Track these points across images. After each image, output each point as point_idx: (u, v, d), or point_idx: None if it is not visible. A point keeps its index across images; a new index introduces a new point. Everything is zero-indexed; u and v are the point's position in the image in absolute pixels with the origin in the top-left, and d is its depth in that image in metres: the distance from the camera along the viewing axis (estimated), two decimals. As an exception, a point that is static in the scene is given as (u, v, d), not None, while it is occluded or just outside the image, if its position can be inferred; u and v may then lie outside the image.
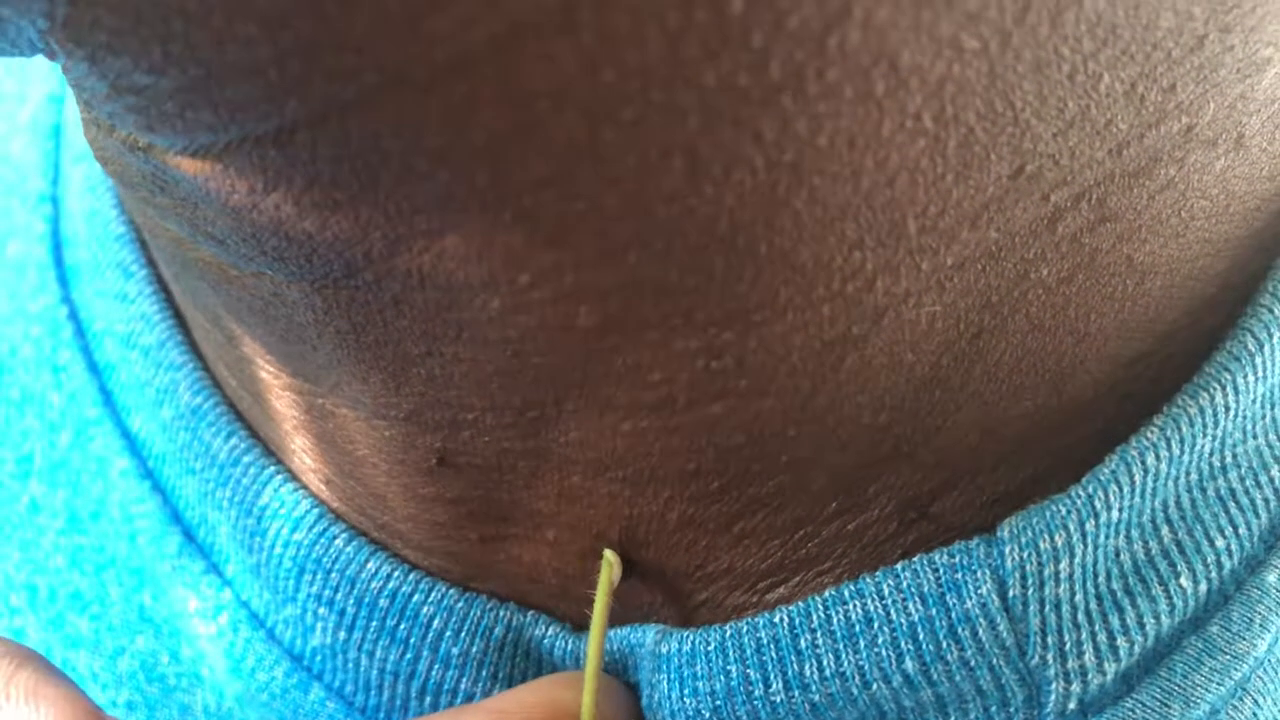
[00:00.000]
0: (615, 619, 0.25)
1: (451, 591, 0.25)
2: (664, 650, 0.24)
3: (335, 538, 0.25)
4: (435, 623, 0.25)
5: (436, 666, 0.25)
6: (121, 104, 0.19)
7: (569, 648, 0.25)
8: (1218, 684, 0.23)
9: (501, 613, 0.25)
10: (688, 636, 0.24)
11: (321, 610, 0.26)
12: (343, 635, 0.25)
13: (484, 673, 0.25)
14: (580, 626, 0.25)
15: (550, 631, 0.25)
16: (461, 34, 0.16)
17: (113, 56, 0.18)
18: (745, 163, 0.18)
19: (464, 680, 0.25)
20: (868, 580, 0.22)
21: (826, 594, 0.23)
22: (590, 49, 0.17)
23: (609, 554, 0.23)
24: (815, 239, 0.19)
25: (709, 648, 0.23)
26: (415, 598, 0.25)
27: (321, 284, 0.21)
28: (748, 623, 0.23)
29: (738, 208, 0.18)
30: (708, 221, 0.19)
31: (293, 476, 0.26)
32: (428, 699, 0.25)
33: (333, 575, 0.25)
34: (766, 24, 0.17)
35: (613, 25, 0.16)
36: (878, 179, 0.18)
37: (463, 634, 0.25)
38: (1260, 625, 0.23)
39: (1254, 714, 0.23)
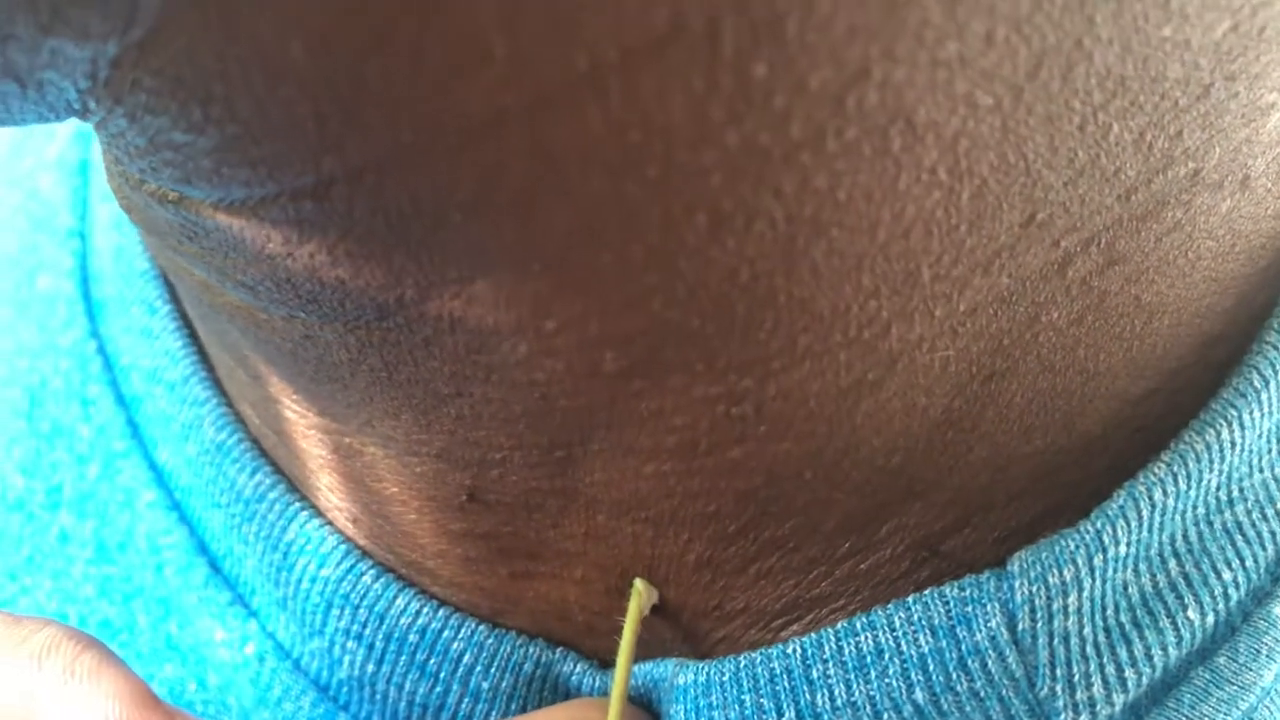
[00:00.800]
0: (638, 653, 0.25)
1: (481, 628, 0.25)
2: (680, 681, 0.24)
3: (363, 574, 0.26)
4: (465, 658, 0.25)
5: (466, 700, 0.25)
6: (158, 159, 0.20)
7: (596, 684, 0.25)
8: (1225, 714, 0.23)
9: (531, 649, 0.25)
10: (703, 668, 0.24)
11: (350, 644, 0.26)
12: (371, 668, 0.26)
13: (513, 707, 0.25)
14: (606, 664, 0.26)
15: (578, 669, 0.25)
16: (494, 98, 0.17)
17: (151, 116, 0.19)
18: (766, 216, 0.19)
19: (493, 714, 0.25)
20: (879, 612, 0.23)
21: (839, 625, 0.23)
22: (617, 112, 0.17)
23: (639, 582, 0.24)
24: (833, 288, 0.20)
25: (723, 678, 0.24)
26: (445, 633, 0.26)
27: (354, 325, 0.22)
28: (761, 653, 0.24)
29: (758, 259, 0.19)
30: (729, 272, 0.19)
31: (318, 513, 0.27)
32: None
33: (361, 610, 0.26)
34: (788, 86, 0.17)
35: (639, 91, 0.17)
36: (894, 230, 0.19)
37: (493, 669, 0.25)
38: (1267, 656, 0.24)
39: None
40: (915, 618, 0.23)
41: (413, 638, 0.26)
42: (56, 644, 0.24)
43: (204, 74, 0.18)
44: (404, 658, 0.26)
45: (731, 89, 0.17)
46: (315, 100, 0.18)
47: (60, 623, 0.25)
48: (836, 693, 0.23)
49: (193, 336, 0.29)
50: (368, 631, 0.26)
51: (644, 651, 0.25)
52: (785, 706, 0.23)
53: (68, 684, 0.23)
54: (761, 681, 0.23)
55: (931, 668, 0.22)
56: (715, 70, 0.17)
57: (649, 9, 0.16)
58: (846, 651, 0.23)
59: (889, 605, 0.23)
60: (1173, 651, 0.23)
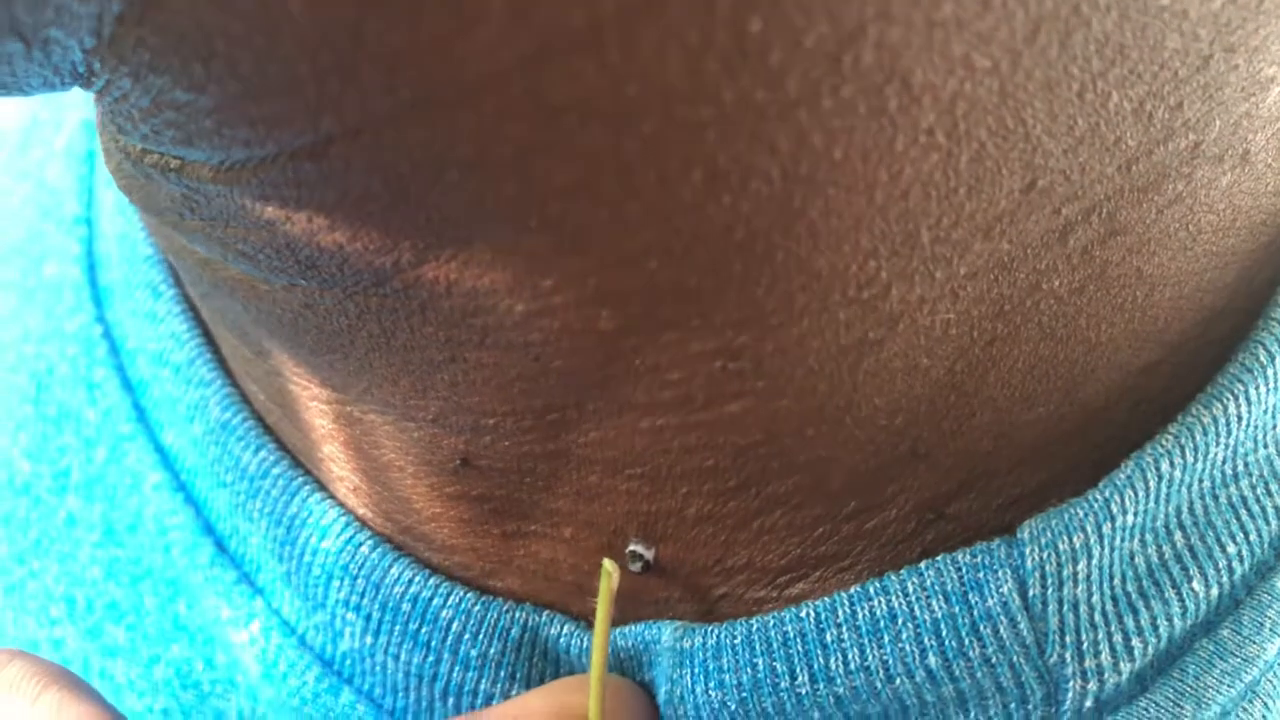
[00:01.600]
0: (629, 615, 0.25)
1: (469, 595, 0.26)
2: (687, 645, 0.24)
3: (361, 544, 0.26)
4: (454, 626, 0.26)
5: (457, 668, 0.26)
6: (161, 120, 0.20)
7: (585, 645, 0.25)
8: (1229, 686, 0.23)
9: (518, 614, 0.26)
10: (712, 631, 0.24)
11: (350, 616, 0.26)
12: (369, 640, 0.26)
13: (502, 673, 0.26)
14: (593, 625, 0.26)
15: (565, 630, 0.25)
16: (492, 53, 0.17)
17: (154, 75, 0.19)
18: (762, 174, 0.19)
19: (483, 681, 0.26)
20: (892, 578, 0.23)
21: (852, 590, 0.23)
22: (614, 66, 0.17)
23: (607, 563, 0.24)
24: (831, 248, 0.20)
25: (735, 641, 0.24)
26: (435, 602, 0.26)
27: (352, 291, 0.22)
28: (774, 617, 0.24)
29: (754, 216, 0.19)
30: (725, 229, 0.19)
31: (320, 486, 0.27)
32: (450, 700, 0.26)
33: (359, 581, 0.26)
34: (783, 43, 0.17)
35: (636, 44, 0.17)
36: (891, 191, 0.19)
37: (480, 636, 0.26)
38: (1270, 630, 0.24)
39: (1264, 716, 0.24)
40: (928, 583, 0.23)
41: (405, 607, 0.26)
42: (24, 677, 0.24)
43: (206, 31, 0.18)
44: (398, 628, 0.26)
45: (727, 44, 0.17)
46: (314, 58, 0.18)
47: (29, 655, 0.25)
48: (850, 657, 0.23)
49: (196, 319, 0.29)
50: (365, 602, 0.26)
51: (636, 612, 0.26)
52: (799, 670, 0.23)
53: (33, 718, 0.23)
54: (775, 645, 0.24)
55: (944, 633, 0.22)
56: (711, 25, 0.17)
57: None
58: (860, 616, 0.23)
59: (902, 571, 0.23)
60: (1178, 622, 0.23)
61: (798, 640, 0.23)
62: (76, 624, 0.31)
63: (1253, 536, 0.24)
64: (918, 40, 0.18)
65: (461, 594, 0.26)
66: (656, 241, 0.19)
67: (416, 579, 0.26)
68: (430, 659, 0.26)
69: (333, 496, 0.27)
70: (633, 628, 0.25)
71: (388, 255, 0.21)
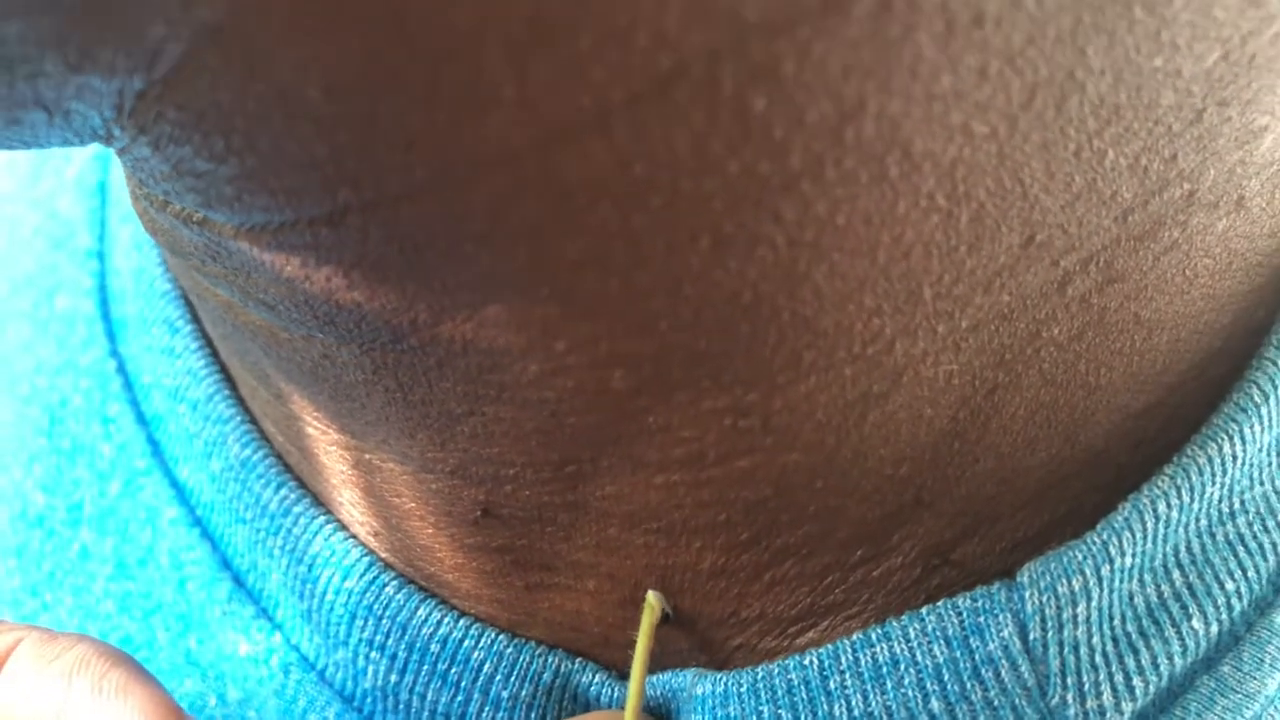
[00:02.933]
0: (655, 664, 0.26)
1: (501, 637, 0.26)
2: (698, 692, 0.25)
3: (385, 585, 0.26)
4: (486, 667, 0.26)
5: (487, 709, 0.26)
6: (181, 185, 0.21)
7: (614, 695, 0.26)
8: None
9: (550, 659, 0.26)
10: (720, 678, 0.24)
11: (373, 654, 0.27)
12: (394, 678, 0.26)
13: (533, 715, 0.26)
14: (624, 674, 0.26)
15: (596, 679, 0.26)
16: (504, 136, 0.18)
17: (174, 146, 0.20)
18: (767, 241, 0.19)
19: None
20: (894, 624, 0.23)
21: (855, 637, 0.24)
22: (623, 147, 0.18)
23: (651, 595, 0.24)
24: (836, 307, 0.20)
25: (741, 689, 0.24)
26: (466, 643, 0.26)
27: (370, 346, 0.22)
28: (779, 665, 0.24)
29: (761, 281, 0.19)
30: (733, 294, 0.20)
31: (342, 526, 0.27)
32: None
33: (384, 621, 0.26)
34: (786, 120, 0.18)
35: (643, 128, 0.17)
36: (894, 253, 0.20)
37: (512, 678, 0.26)
38: (1270, 665, 0.24)
39: None
40: (929, 628, 0.23)
41: (434, 647, 0.26)
42: (86, 661, 0.25)
43: (225, 110, 0.18)
44: (426, 667, 0.26)
45: (731, 124, 0.18)
46: (330, 137, 0.18)
47: (93, 640, 0.25)
48: (854, 703, 0.23)
49: (214, 356, 0.30)
50: (390, 642, 0.26)
51: (661, 661, 0.26)
52: (803, 716, 0.24)
53: (95, 701, 0.24)
54: (779, 692, 0.24)
55: (946, 677, 0.23)
56: (716, 107, 0.17)
57: (652, 54, 0.17)
58: (863, 662, 0.23)
59: (903, 617, 0.23)
60: (1178, 660, 0.23)
61: (802, 688, 0.24)
62: None
63: (1250, 573, 0.24)
64: (917, 111, 0.18)
65: (494, 635, 0.26)
66: (666, 307, 0.20)
67: (446, 620, 0.26)
68: (459, 699, 0.26)
69: (354, 538, 0.27)
70: (660, 675, 0.26)
71: (404, 315, 0.21)
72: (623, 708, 0.26)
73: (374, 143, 0.18)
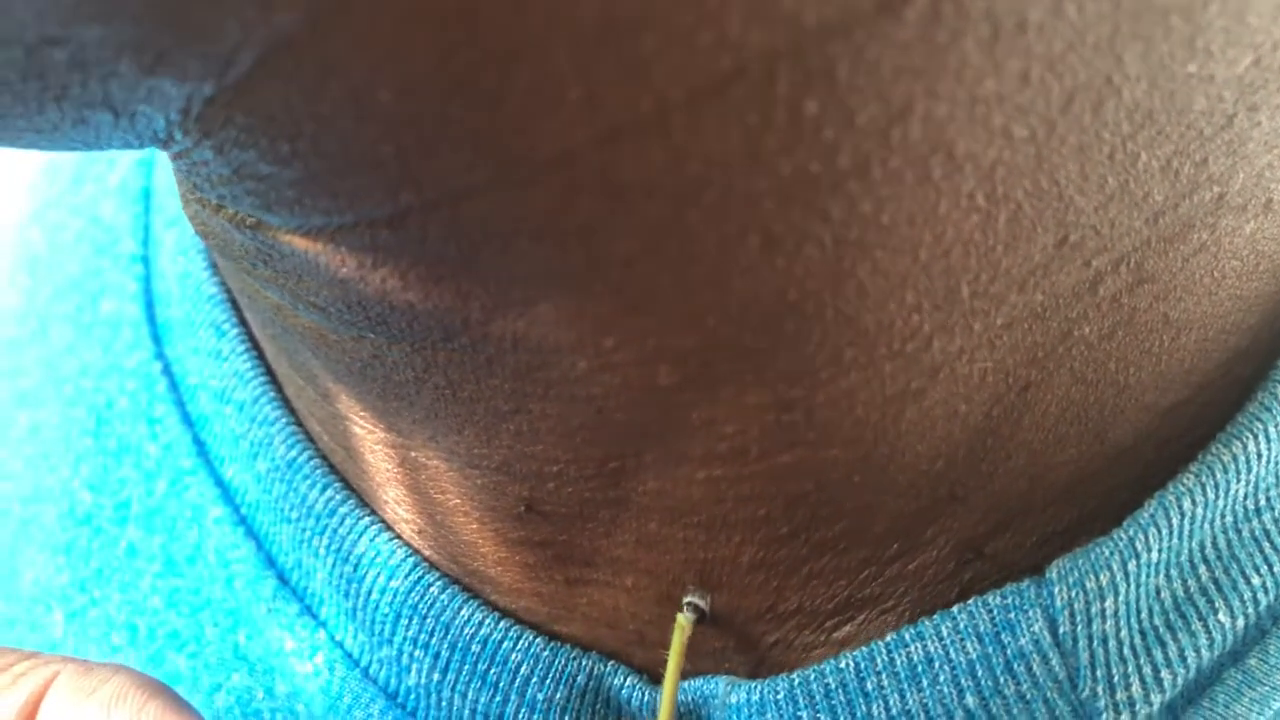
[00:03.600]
0: (687, 670, 0.26)
1: (538, 640, 0.26)
2: (733, 700, 0.25)
3: (430, 585, 0.27)
4: (523, 669, 0.26)
5: (524, 710, 0.26)
6: (240, 188, 0.21)
7: (645, 699, 0.26)
8: (1258, 713, 0.24)
9: (584, 661, 0.26)
10: (756, 686, 0.25)
11: (417, 653, 0.27)
12: (437, 677, 0.27)
13: (567, 718, 0.26)
14: (655, 678, 0.26)
15: (628, 682, 0.26)
16: (566, 135, 0.18)
17: (239, 149, 0.20)
18: (814, 239, 0.20)
19: None
20: (926, 623, 0.24)
21: (889, 637, 0.24)
22: (679, 146, 0.18)
23: (682, 617, 0.25)
24: (877, 305, 0.21)
25: (778, 696, 0.25)
26: (505, 644, 0.27)
27: (420, 345, 0.23)
28: (814, 670, 0.25)
29: (807, 278, 0.20)
30: (779, 290, 0.20)
31: (386, 526, 0.28)
32: None
33: (428, 620, 0.27)
34: (837, 121, 0.18)
35: (700, 127, 0.18)
36: (935, 251, 0.20)
37: (548, 680, 0.26)
38: None
39: None
40: (961, 625, 0.24)
41: (475, 648, 0.27)
42: (125, 693, 0.25)
43: (294, 114, 0.19)
44: (467, 667, 0.27)
45: (784, 124, 0.18)
46: (398, 139, 0.19)
47: (130, 670, 0.26)
48: (891, 702, 0.24)
49: (260, 357, 0.30)
50: (434, 641, 0.27)
51: (694, 664, 0.26)
52: (842, 719, 0.24)
53: None
54: (817, 697, 0.24)
55: (980, 673, 0.23)
56: (771, 108, 0.18)
57: (713, 55, 0.17)
58: (898, 662, 0.24)
59: (935, 615, 0.24)
60: (1205, 653, 0.24)
61: (839, 690, 0.24)
62: (138, 652, 0.32)
63: (1276, 568, 0.25)
64: (961, 114, 0.19)
65: (531, 638, 0.27)
66: (714, 303, 0.20)
67: (487, 621, 0.27)
68: (497, 699, 0.27)
69: (398, 537, 0.28)
70: (691, 682, 0.26)
71: (457, 314, 0.22)
72: (654, 714, 0.26)
73: (440, 143, 0.19)
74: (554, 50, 0.17)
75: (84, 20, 0.18)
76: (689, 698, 0.26)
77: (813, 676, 0.25)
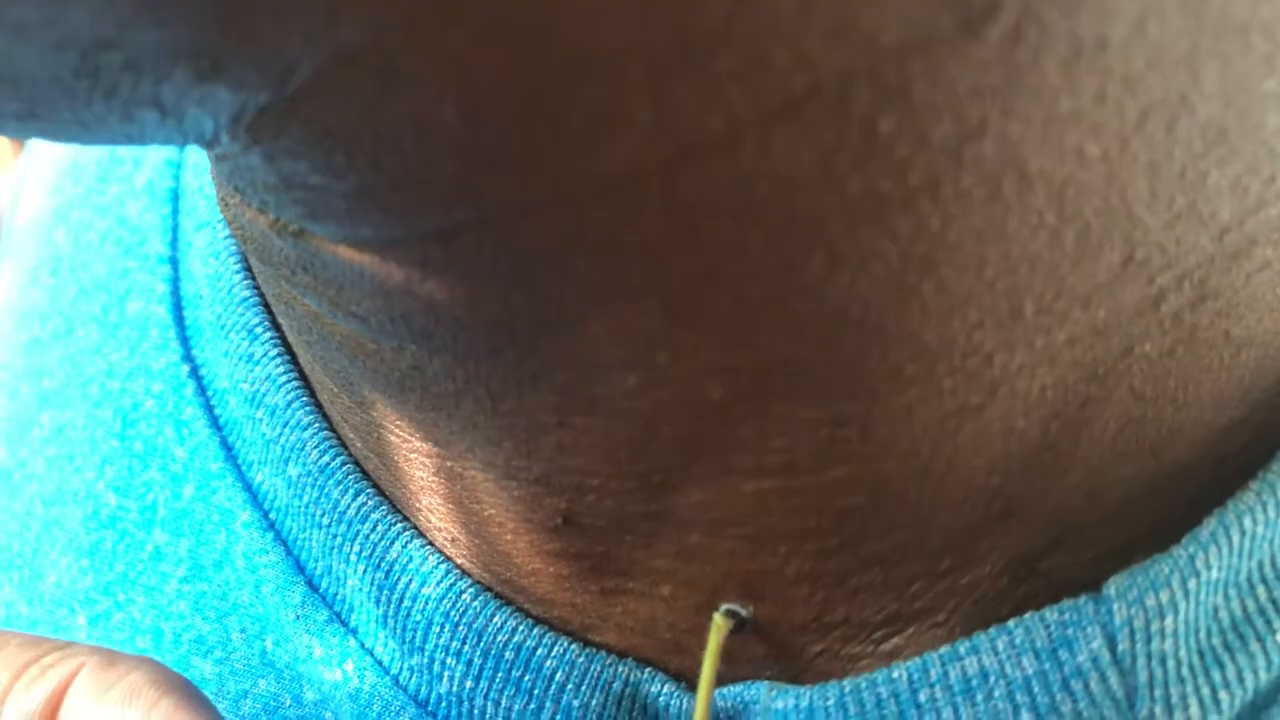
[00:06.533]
0: (725, 675, 0.26)
1: (573, 646, 0.26)
2: (780, 706, 0.25)
3: (463, 592, 0.27)
4: (558, 675, 0.26)
5: (559, 717, 0.26)
6: (287, 196, 0.21)
7: (684, 706, 0.26)
8: None
9: (620, 668, 0.26)
10: (805, 693, 0.25)
11: (449, 660, 0.27)
12: (469, 684, 0.27)
13: None
14: (693, 684, 0.26)
15: (665, 690, 0.26)
16: (633, 155, 0.18)
17: (290, 159, 0.20)
18: (880, 257, 0.19)
19: None
20: (981, 637, 0.24)
21: (943, 650, 0.24)
22: (748, 166, 0.18)
23: (718, 616, 0.24)
24: (940, 321, 0.20)
25: (828, 703, 0.24)
26: (539, 651, 0.26)
27: (463, 358, 0.22)
28: (866, 679, 0.24)
29: (870, 295, 0.20)
30: (841, 308, 0.20)
31: (419, 534, 0.28)
32: None
33: (460, 628, 0.27)
34: (911, 139, 0.18)
35: (770, 146, 0.18)
36: (1001, 268, 0.20)
37: (583, 687, 0.26)
38: None
39: None
40: (1018, 640, 0.23)
41: (509, 655, 0.26)
42: (138, 690, 0.25)
43: (352, 128, 0.18)
44: (500, 674, 0.27)
45: (858, 142, 0.18)
46: (459, 155, 0.18)
47: (152, 665, 0.26)
48: (944, 715, 0.24)
49: (293, 363, 0.30)
50: (466, 648, 0.27)
51: (732, 671, 0.26)
52: None
53: None
54: (869, 706, 0.24)
55: (1036, 689, 0.23)
56: (845, 126, 0.18)
57: (789, 75, 0.17)
58: (952, 675, 0.24)
59: (990, 630, 0.24)
60: (1263, 675, 0.24)
61: (891, 701, 0.24)
62: (164, 656, 0.31)
63: None
64: (1035, 133, 0.18)
65: (566, 644, 0.26)
66: (773, 319, 0.20)
67: (521, 628, 0.26)
68: (532, 706, 0.26)
69: (432, 544, 0.27)
70: (730, 688, 0.26)
71: (504, 329, 0.21)
72: None
73: (502, 161, 0.18)
74: (627, 70, 0.17)
75: (141, 25, 0.18)
76: (728, 703, 0.26)
77: (864, 685, 0.24)
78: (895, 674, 0.24)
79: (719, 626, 0.24)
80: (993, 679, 0.23)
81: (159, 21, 0.17)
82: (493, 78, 0.17)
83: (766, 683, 0.25)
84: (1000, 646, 0.23)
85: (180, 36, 0.18)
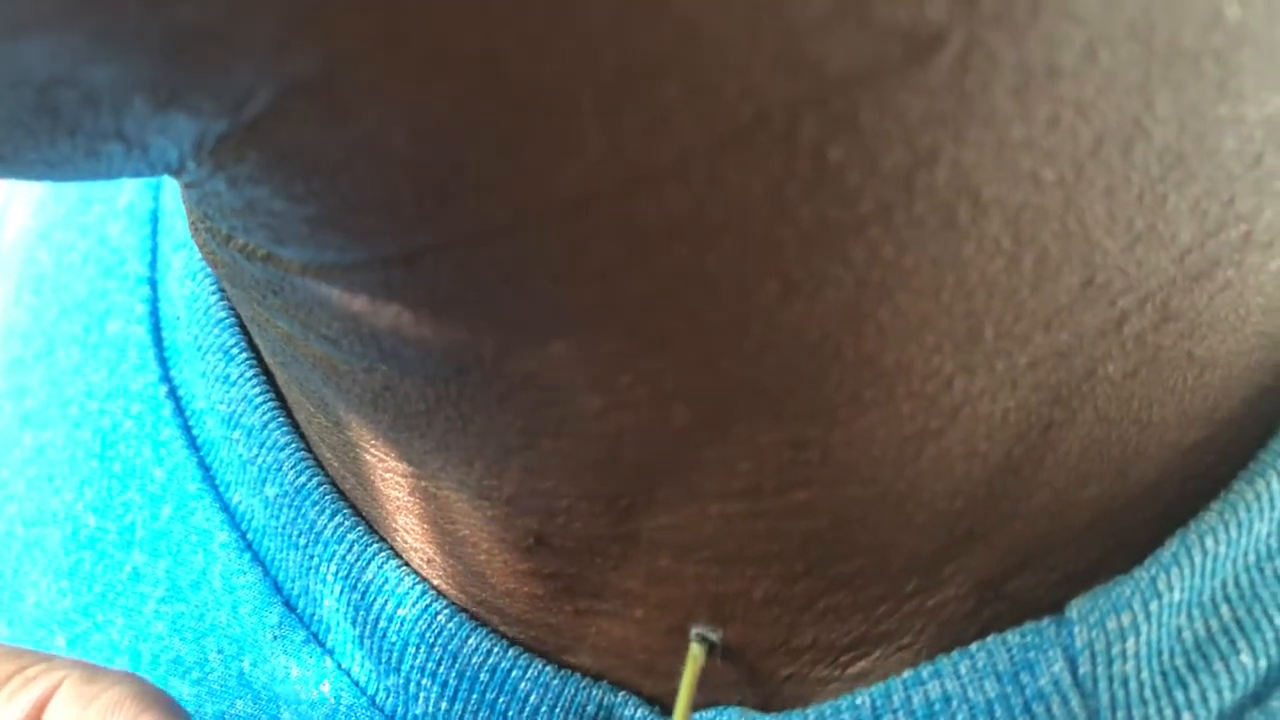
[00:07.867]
0: (697, 701, 0.26)
1: (548, 669, 0.26)
2: None
3: (438, 613, 0.27)
4: (532, 698, 0.26)
5: None
6: (252, 221, 0.21)
7: None
8: None
9: (594, 691, 0.26)
10: None
11: (425, 681, 0.27)
12: (445, 705, 0.27)
13: None
14: (666, 707, 0.26)
15: (638, 714, 0.26)
16: (586, 181, 0.18)
17: (252, 185, 0.20)
18: (834, 283, 0.19)
19: None
20: (944, 660, 0.24)
21: (906, 675, 0.24)
22: (700, 193, 0.18)
23: (695, 647, 0.24)
24: (898, 346, 0.20)
25: None
26: (514, 673, 0.26)
27: (433, 378, 0.23)
28: (830, 705, 0.24)
29: (826, 320, 0.20)
30: (798, 332, 0.20)
31: (395, 554, 0.28)
32: None
33: (436, 649, 0.27)
34: (861, 168, 0.18)
35: (721, 174, 0.18)
36: (957, 293, 0.20)
37: (557, 710, 0.26)
38: None
39: None
40: (979, 664, 0.23)
41: (484, 676, 0.26)
42: (119, 704, 0.25)
43: (308, 154, 0.19)
44: (475, 695, 0.27)
45: (807, 170, 0.18)
46: (414, 182, 0.18)
47: (133, 680, 0.26)
48: None
49: (270, 383, 0.30)
50: (442, 669, 0.27)
51: (704, 696, 0.26)
52: None
53: None
54: None
55: (998, 713, 0.23)
56: (793, 155, 0.18)
57: (737, 104, 0.17)
58: (915, 700, 0.24)
59: (954, 653, 0.24)
60: (1227, 694, 0.24)
61: None
62: None
63: None
64: (988, 159, 0.18)
65: (540, 667, 0.26)
66: (731, 344, 0.20)
67: (495, 649, 0.26)
68: None
69: (408, 565, 0.28)
70: (703, 714, 0.26)
71: (470, 350, 0.21)
72: None
73: (456, 187, 0.18)
74: (575, 98, 0.17)
75: (94, 61, 0.18)
76: None
77: (829, 712, 0.24)
78: (859, 700, 0.24)
79: (695, 657, 0.24)
80: (955, 703, 0.23)
81: (111, 57, 0.18)
82: (441, 106, 0.17)
83: (738, 708, 0.25)
84: (963, 670, 0.23)
85: (134, 69, 0.18)
